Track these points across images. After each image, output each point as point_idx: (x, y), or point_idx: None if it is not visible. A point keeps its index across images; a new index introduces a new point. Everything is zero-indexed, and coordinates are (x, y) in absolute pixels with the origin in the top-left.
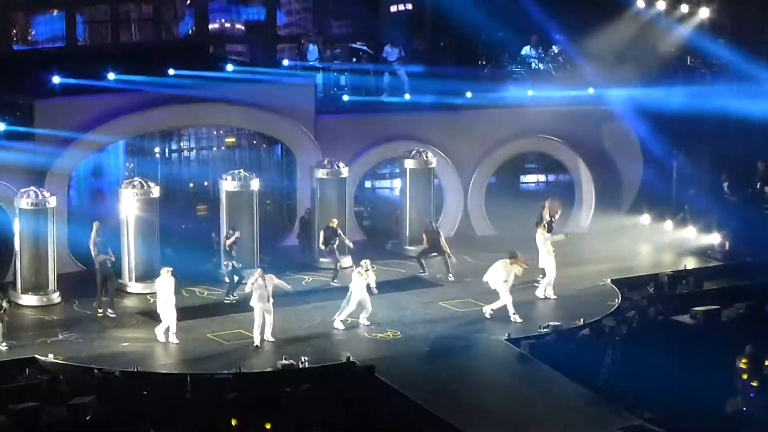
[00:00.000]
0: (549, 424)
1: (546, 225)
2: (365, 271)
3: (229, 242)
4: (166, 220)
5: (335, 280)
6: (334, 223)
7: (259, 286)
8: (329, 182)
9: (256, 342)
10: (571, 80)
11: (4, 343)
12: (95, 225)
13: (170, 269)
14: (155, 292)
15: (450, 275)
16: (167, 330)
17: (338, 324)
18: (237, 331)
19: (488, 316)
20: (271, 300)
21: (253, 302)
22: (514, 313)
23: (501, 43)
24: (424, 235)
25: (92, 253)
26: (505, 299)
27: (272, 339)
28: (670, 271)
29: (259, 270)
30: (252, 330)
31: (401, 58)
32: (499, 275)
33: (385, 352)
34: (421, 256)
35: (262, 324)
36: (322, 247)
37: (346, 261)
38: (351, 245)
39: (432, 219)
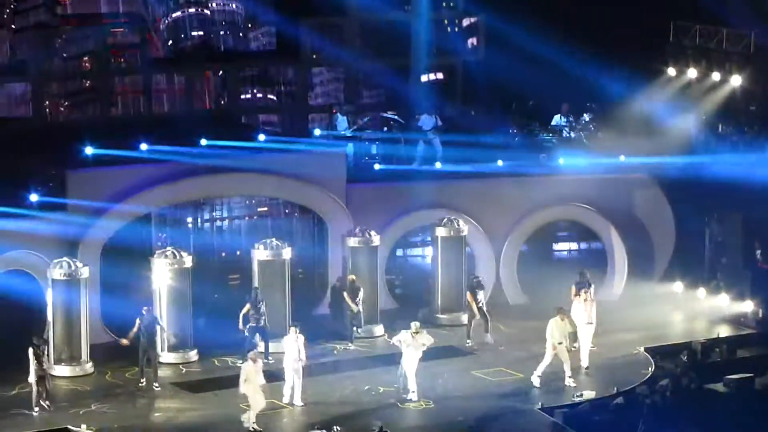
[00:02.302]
0: None
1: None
2: (415, 333)
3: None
4: (198, 289)
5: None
6: (353, 278)
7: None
8: (361, 251)
9: (285, 401)
10: (602, 148)
11: (36, 409)
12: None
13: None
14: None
15: (487, 336)
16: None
17: (412, 395)
18: (270, 401)
19: (573, 384)
20: (301, 361)
21: (285, 362)
22: (539, 376)
23: (532, 111)
24: (468, 294)
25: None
26: (546, 358)
27: (301, 403)
28: (704, 339)
29: (293, 328)
30: (282, 398)
31: (437, 128)
32: (554, 335)
33: (417, 421)
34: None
35: (293, 386)
36: (354, 307)
37: (378, 330)
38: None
39: (478, 277)
